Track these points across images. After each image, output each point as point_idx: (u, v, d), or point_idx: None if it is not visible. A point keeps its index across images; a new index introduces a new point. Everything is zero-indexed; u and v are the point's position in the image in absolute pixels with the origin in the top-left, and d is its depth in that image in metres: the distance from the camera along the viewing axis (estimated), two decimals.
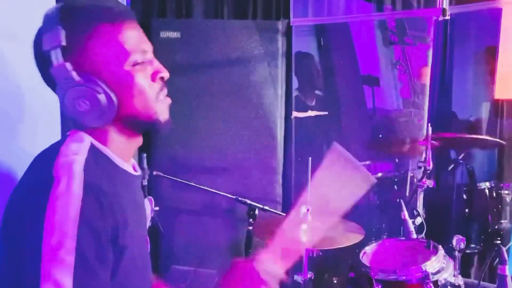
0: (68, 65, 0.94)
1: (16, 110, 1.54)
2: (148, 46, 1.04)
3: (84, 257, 0.84)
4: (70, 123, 1.05)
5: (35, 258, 0.82)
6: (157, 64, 1.04)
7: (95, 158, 0.97)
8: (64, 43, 0.94)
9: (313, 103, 3.13)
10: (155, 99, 1.03)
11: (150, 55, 1.04)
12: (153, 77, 1.03)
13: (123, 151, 1.07)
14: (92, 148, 0.99)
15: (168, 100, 1.07)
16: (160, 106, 1.04)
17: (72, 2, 1.02)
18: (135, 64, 1.00)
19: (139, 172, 1.15)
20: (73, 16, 0.97)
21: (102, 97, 0.96)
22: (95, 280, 0.86)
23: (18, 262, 0.86)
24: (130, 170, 1.10)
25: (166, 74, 1.04)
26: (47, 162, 0.93)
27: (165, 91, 1.05)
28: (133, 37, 1.01)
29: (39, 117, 1.61)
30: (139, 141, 1.12)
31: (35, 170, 0.97)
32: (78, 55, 0.96)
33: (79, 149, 0.96)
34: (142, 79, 1.00)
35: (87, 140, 1.00)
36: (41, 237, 0.83)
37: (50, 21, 0.96)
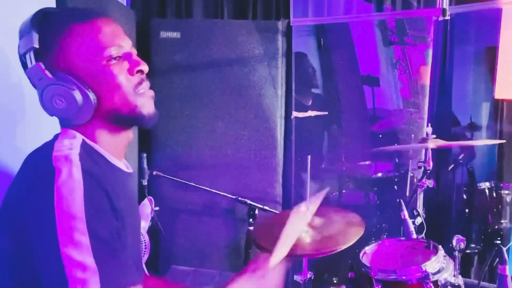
0: (41, 65, 0.98)
1: (16, 109, 1.54)
2: (124, 42, 1.05)
3: (97, 235, 0.87)
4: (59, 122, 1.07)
5: (53, 246, 0.85)
6: (135, 58, 1.05)
7: (88, 153, 1.00)
8: (36, 45, 0.98)
9: (310, 103, 3.13)
10: (133, 92, 1.03)
11: (127, 49, 1.05)
12: (130, 70, 1.03)
13: (113, 148, 1.08)
14: (84, 144, 1.01)
15: (150, 93, 1.07)
16: (140, 99, 1.04)
17: (45, 9, 1.06)
18: (110, 58, 1.01)
19: (131, 170, 1.16)
20: (46, 20, 1.02)
21: (76, 93, 0.98)
22: (113, 255, 0.90)
23: (36, 254, 0.88)
24: (122, 167, 1.11)
25: (145, 68, 1.06)
26: (43, 156, 0.96)
27: (145, 84, 1.06)
28: (107, 33, 1.02)
29: (39, 117, 1.61)
30: (129, 137, 1.12)
31: (32, 165, 0.99)
32: (53, 56, 1.00)
33: (72, 145, 0.98)
34: (118, 73, 1.02)
35: (79, 137, 1.02)
36: (54, 225, 0.86)
37: (25, 28, 1.01)
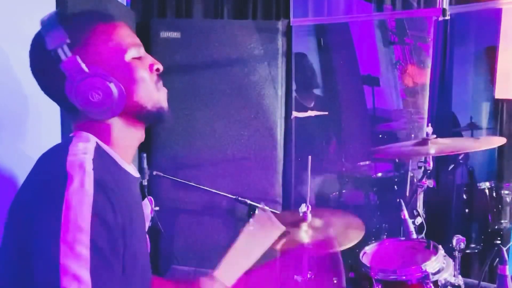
0: (78, 58, 0.99)
1: (18, 112, 1.54)
2: (140, 43, 1.11)
3: (99, 250, 0.88)
4: (76, 119, 1.07)
5: (53, 254, 0.85)
6: (151, 57, 1.12)
7: (101, 158, 1.00)
8: (68, 40, 0.99)
9: (312, 105, 3.13)
10: (155, 88, 1.09)
11: (143, 50, 1.11)
12: (150, 68, 1.09)
13: (125, 150, 1.11)
14: (98, 148, 1.02)
15: (165, 90, 1.13)
16: (161, 95, 1.10)
17: (67, 7, 1.07)
18: (133, 57, 1.07)
19: (138, 175, 1.18)
20: (71, 18, 1.05)
21: (113, 86, 1.00)
22: (110, 271, 0.90)
23: (34, 258, 0.88)
24: (131, 171, 1.12)
25: (160, 66, 1.11)
26: (57, 160, 0.96)
27: (161, 82, 1.12)
28: (127, 34, 1.08)
29: (40, 119, 1.61)
30: (141, 137, 1.15)
31: (45, 168, 0.99)
32: (81, 52, 1.01)
33: (86, 149, 0.99)
34: (142, 70, 1.07)
35: (93, 140, 1.03)
36: (58, 233, 0.86)
37: (50, 24, 1.01)
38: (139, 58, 1.08)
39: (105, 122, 1.05)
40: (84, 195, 0.89)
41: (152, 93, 1.08)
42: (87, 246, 0.86)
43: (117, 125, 1.07)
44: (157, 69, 1.11)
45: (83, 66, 0.99)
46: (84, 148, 0.99)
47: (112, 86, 1.00)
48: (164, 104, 1.11)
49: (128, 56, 1.05)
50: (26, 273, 0.89)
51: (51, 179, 0.94)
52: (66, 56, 0.99)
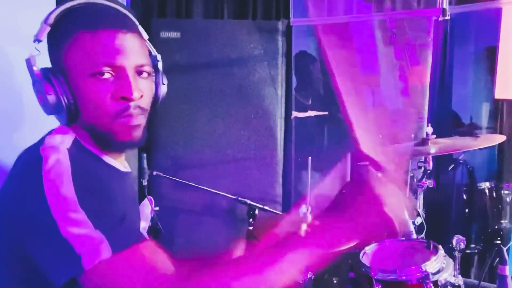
0: (32, 60, 1.00)
1: (16, 110, 1.54)
2: (129, 61, 0.98)
3: (91, 209, 0.87)
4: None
5: (53, 232, 0.85)
6: (128, 82, 0.98)
7: (78, 150, 0.99)
8: (41, 38, 1.00)
9: (309, 102, 3.13)
10: (108, 117, 0.98)
11: (127, 71, 0.98)
12: (113, 95, 0.97)
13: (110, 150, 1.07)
14: (76, 141, 1.01)
15: (134, 122, 1.00)
16: (116, 126, 0.99)
17: (65, 3, 1.04)
18: (96, 74, 0.96)
19: (129, 169, 1.15)
20: (60, 18, 1.01)
21: (51, 98, 0.98)
22: (112, 219, 0.89)
23: (35, 246, 0.88)
24: (119, 166, 1.09)
25: (135, 95, 0.98)
26: (32, 151, 0.97)
27: (131, 112, 0.99)
28: (106, 48, 0.97)
29: (40, 119, 1.61)
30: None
31: (22, 160, 0.99)
32: (58, 56, 1.00)
33: (63, 139, 0.98)
34: (97, 93, 0.97)
35: (71, 133, 1.02)
36: (48, 209, 0.86)
37: (44, 18, 1.02)
38: (109, 78, 0.97)
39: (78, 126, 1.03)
40: (61, 168, 0.89)
41: (102, 120, 0.98)
42: (79, 211, 0.86)
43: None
44: (126, 98, 0.97)
45: (34, 69, 1.00)
46: (61, 138, 0.98)
47: (50, 98, 0.98)
48: (122, 136, 1.00)
49: (91, 73, 0.96)
50: (26, 267, 0.89)
51: (27, 167, 0.95)
52: (30, 54, 1.00)
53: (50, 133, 1.02)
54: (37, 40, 1.00)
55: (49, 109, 1.00)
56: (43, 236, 0.87)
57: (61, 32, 1.00)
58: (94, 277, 0.83)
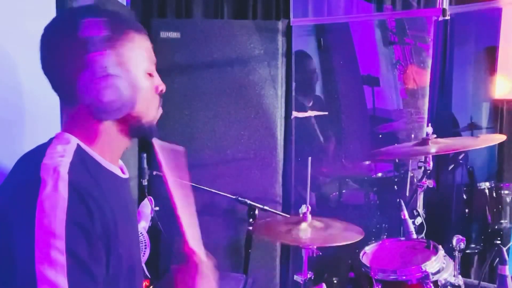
0: (109, 53, 0.98)
1: (16, 111, 1.54)
2: (155, 60, 1.13)
3: (75, 255, 0.86)
4: (70, 112, 1.05)
5: (28, 261, 0.84)
6: (158, 77, 1.13)
7: (81, 160, 0.98)
8: (106, 33, 0.98)
9: (310, 104, 3.13)
10: (155, 108, 1.12)
11: (154, 68, 1.13)
12: (156, 89, 1.11)
13: (111, 152, 1.08)
14: (78, 150, 1.00)
15: (161, 111, 1.17)
16: (157, 115, 1.15)
17: (67, 7, 1.06)
18: (148, 73, 1.08)
19: (127, 175, 1.16)
20: (110, 16, 1.03)
21: (126, 92, 1.00)
22: (88, 277, 0.88)
23: (10, 266, 0.86)
24: (118, 172, 1.10)
25: (164, 88, 1.13)
26: (32, 163, 0.94)
27: (161, 104, 1.15)
28: (149, 49, 1.10)
29: (39, 119, 1.61)
30: (128, 143, 1.14)
31: (21, 171, 0.98)
32: (107, 52, 0.99)
33: (65, 151, 0.97)
34: (150, 87, 1.09)
35: (73, 142, 1.01)
36: (33, 239, 0.84)
37: (91, 12, 1.01)
38: (150, 75, 1.09)
39: (97, 123, 1.03)
40: (58, 200, 0.87)
41: (150, 111, 1.10)
42: (62, 251, 0.84)
43: (108, 128, 1.05)
44: (161, 91, 1.12)
45: (109, 64, 0.97)
46: (63, 150, 0.96)
47: (126, 91, 0.99)
48: (155, 124, 1.15)
49: (143, 70, 1.07)
50: (6, 280, 0.88)
51: (24, 184, 0.92)
52: (97, 48, 0.97)
53: (51, 142, 1.00)
54: (103, 35, 0.97)
55: (115, 106, 0.99)
56: (18, 261, 0.86)
57: (113, 28, 1.00)
58: None
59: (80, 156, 0.99)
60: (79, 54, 0.97)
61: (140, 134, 1.13)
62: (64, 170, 0.91)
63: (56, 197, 0.87)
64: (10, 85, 1.49)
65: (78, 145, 1.00)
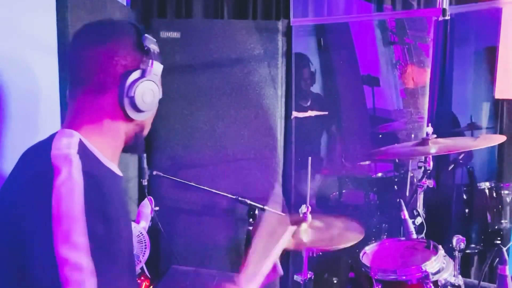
0: (154, 63, 1.10)
1: (17, 112, 1.54)
2: None
3: (97, 236, 0.88)
4: (85, 102, 1.09)
5: (47, 247, 0.85)
6: None
7: (84, 152, 1.01)
8: (157, 50, 1.13)
9: (308, 104, 3.13)
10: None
11: None
12: None
13: (113, 150, 1.12)
14: (81, 143, 1.03)
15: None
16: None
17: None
18: None
19: (121, 174, 1.18)
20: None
21: (157, 99, 1.14)
22: (110, 257, 0.90)
23: (28, 254, 0.87)
24: (115, 170, 1.12)
25: None
26: (41, 155, 0.97)
27: None
28: None
29: (40, 120, 1.61)
30: (122, 146, 1.18)
31: (30, 164, 1.00)
32: (155, 62, 1.12)
33: (70, 144, 1.00)
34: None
35: (76, 136, 1.04)
36: (50, 225, 0.85)
37: (143, 30, 1.14)
38: None
39: (109, 121, 1.08)
40: (74, 185, 0.90)
41: (150, 124, 1.20)
42: (84, 233, 0.86)
43: (118, 129, 1.11)
44: None
45: (153, 71, 1.10)
46: (68, 142, 1.00)
47: (157, 98, 1.13)
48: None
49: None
50: (20, 270, 0.89)
51: (37, 174, 0.94)
52: (150, 57, 1.10)
53: (53, 136, 1.03)
54: (157, 50, 1.13)
55: (143, 109, 1.10)
56: (36, 249, 0.87)
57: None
58: None
59: (83, 149, 1.02)
60: (135, 57, 1.09)
61: (136, 143, 1.18)
62: (76, 158, 0.95)
63: (72, 182, 0.90)
64: (10, 85, 1.49)
65: (80, 140, 1.04)
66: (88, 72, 1.07)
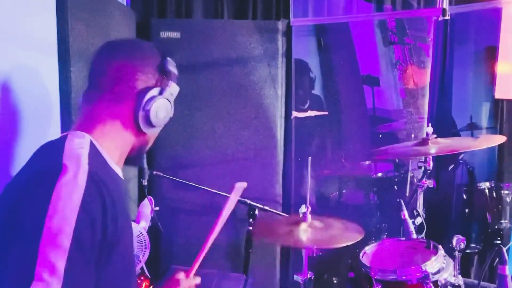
0: (171, 84, 1.24)
1: (16, 111, 1.54)
2: None
3: (80, 244, 0.89)
4: (101, 108, 1.14)
5: (34, 240, 0.86)
6: None
7: (94, 153, 1.05)
8: (174, 73, 1.26)
9: (306, 106, 3.12)
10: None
11: None
12: None
13: (119, 155, 1.17)
14: (92, 144, 1.07)
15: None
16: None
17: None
18: None
19: (123, 178, 1.21)
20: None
21: (168, 117, 1.22)
22: (85, 266, 0.91)
23: (16, 242, 0.89)
24: (119, 173, 1.16)
25: None
26: (54, 152, 1.00)
27: None
28: None
29: (40, 120, 1.61)
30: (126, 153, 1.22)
31: (42, 159, 1.03)
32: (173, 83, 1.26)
33: (82, 144, 1.04)
34: None
35: (87, 137, 1.08)
36: (43, 220, 0.87)
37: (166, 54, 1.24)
38: None
39: (120, 128, 1.14)
40: (76, 187, 0.92)
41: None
42: (69, 237, 0.87)
43: (127, 137, 1.17)
44: None
45: (170, 91, 1.24)
46: (80, 143, 1.04)
47: (168, 117, 1.22)
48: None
49: None
50: (8, 255, 0.90)
51: (45, 170, 0.97)
52: (170, 78, 1.24)
53: (66, 137, 1.06)
54: (176, 75, 1.27)
55: (154, 124, 1.17)
56: (23, 239, 0.88)
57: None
58: None
59: (93, 150, 1.06)
60: (155, 76, 1.19)
61: (138, 156, 1.24)
62: (85, 161, 0.98)
63: (75, 184, 0.92)
64: (10, 85, 1.49)
65: (91, 141, 1.07)
66: (110, 81, 1.14)
